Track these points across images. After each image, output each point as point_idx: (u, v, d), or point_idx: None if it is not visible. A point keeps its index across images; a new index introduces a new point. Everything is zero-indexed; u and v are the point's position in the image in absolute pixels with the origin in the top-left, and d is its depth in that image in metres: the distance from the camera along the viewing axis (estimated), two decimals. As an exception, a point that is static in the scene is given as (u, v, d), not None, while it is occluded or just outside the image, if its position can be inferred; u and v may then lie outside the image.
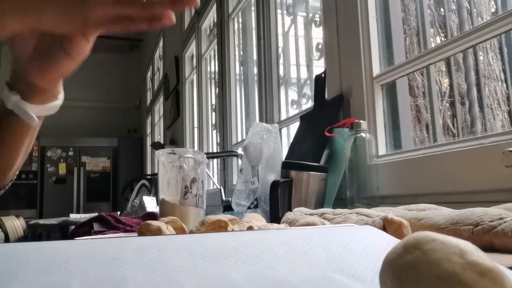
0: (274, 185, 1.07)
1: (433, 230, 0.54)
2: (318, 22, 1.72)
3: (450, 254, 0.18)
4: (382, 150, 1.19)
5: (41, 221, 3.30)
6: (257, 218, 0.73)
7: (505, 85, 1.21)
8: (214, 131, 3.25)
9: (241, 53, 2.67)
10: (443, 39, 1.32)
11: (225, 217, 0.64)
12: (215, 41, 3.01)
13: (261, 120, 2.09)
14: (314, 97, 1.47)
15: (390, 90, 1.24)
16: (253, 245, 0.36)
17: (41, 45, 0.52)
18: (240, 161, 1.72)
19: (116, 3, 0.46)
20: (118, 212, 1.92)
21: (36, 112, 0.58)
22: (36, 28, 0.49)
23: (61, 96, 0.60)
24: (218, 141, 2.97)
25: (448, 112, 1.37)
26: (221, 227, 0.62)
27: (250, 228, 0.59)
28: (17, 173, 0.71)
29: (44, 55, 0.53)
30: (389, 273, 0.20)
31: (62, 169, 7.21)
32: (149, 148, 6.49)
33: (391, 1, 1.27)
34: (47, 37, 0.51)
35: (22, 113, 0.57)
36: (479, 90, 1.15)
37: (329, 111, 1.34)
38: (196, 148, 3.64)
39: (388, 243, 0.38)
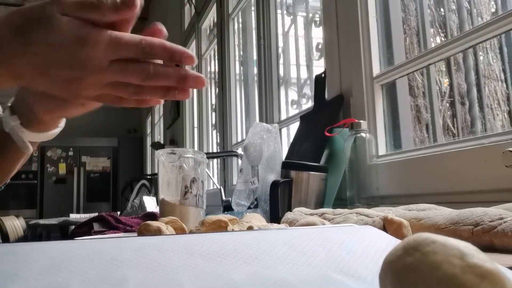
0: (274, 185, 1.07)
1: (433, 230, 0.55)
2: (318, 22, 1.72)
3: (450, 257, 0.18)
4: (382, 150, 1.19)
5: (41, 221, 3.31)
6: (257, 218, 0.73)
7: (505, 85, 1.21)
8: (214, 131, 3.25)
9: (241, 53, 2.67)
10: (443, 39, 1.32)
11: (225, 217, 0.64)
12: (215, 41, 3.01)
13: (261, 120, 2.09)
14: (314, 97, 1.47)
15: (390, 90, 1.24)
16: (253, 245, 0.36)
17: None
18: (240, 161, 1.72)
19: (115, 72, 0.43)
20: (118, 212, 1.93)
21: (33, 139, 0.56)
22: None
23: (62, 124, 0.58)
24: (218, 141, 2.97)
25: (448, 112, 1.37)
26: (221, 227, 0.61)
27: (250, 228, 0.59)
28: (6, 181, 0.70)
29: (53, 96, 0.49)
30: (389, 275, 0.20)
31: (62, 169, 7.22)
32: (149, 148, 6.49)
33: (391, 1, 1.27)
34: None
35: (18, 139, 0.55)
36: (479, 90, 1.15)
37: (329, 111, 1.34)
38: (196, 148, 3.64)
39: (388, 243, 0.38)
